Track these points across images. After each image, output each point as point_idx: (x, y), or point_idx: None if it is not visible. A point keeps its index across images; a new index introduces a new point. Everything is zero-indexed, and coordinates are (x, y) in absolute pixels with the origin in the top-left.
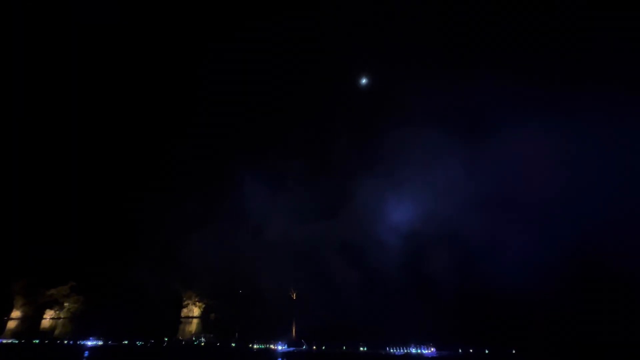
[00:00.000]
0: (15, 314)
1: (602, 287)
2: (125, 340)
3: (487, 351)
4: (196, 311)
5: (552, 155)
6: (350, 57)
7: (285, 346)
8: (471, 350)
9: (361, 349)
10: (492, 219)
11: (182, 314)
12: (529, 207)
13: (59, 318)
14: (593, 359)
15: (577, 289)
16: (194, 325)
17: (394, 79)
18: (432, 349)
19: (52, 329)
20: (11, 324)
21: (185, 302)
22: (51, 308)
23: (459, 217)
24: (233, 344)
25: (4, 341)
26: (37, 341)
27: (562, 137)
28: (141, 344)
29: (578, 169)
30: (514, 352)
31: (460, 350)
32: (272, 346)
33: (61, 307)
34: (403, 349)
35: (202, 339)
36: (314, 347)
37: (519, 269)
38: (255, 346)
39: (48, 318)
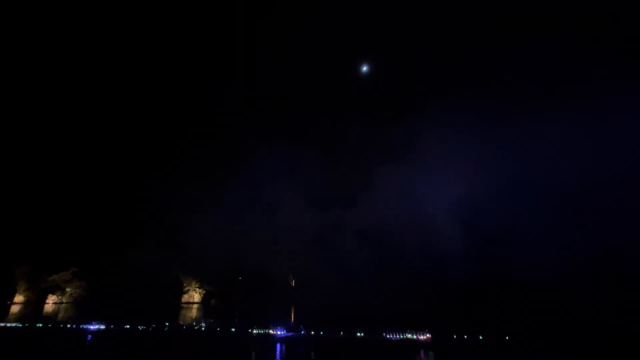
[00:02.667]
0: (18, 298)
1: (620, 284)
2: (127, 324)
3: (480, 337)
4: (196, 297)
5: (583, 147)
6: (370, 42)
7: (284, 331)
8: (465, 337)
9: (358, 334)
10: (511, 208)
11: (183, 300)
12: (548, 199)
13: (61, 303)
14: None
15: (592, 283)
16: (194, 311)
17: (414, 65)
18: (428, 335)
19: (54, 313)
20: (14, 309)
21: (186, 288)
22: (53, 293)
23: (476, 204)
24: (233, 329)
25: (8, 325)
26: (40, 325)
27: (594, 129)
28: (143, 329)
29: (610, 162)
30: (507, 338)
31: (455, 337)
32: (271, 331)
33: (63, 292)
34: (399, 335)
35: (203, 324)
36: (312, 333)
37: (533, 258)
38: (254, 331)
39: (51, 303)
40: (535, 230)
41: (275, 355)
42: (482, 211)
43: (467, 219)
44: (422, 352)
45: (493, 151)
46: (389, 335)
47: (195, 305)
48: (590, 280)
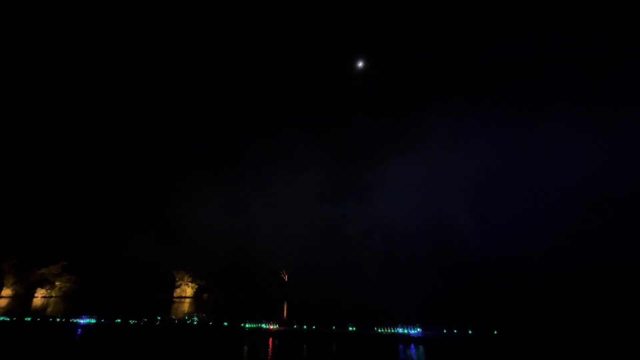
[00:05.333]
0: (6, 292)
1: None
2: (118, 319)
3: (470, 332)
4: (189, 291)
5: (596, 146)
6: (383, 40)
7: (277, 326)
8: (455, 331)
9: (350, 328)
10: (519, 205)
11: (175, 294)
12: (557, 196)
13: (50, 297)
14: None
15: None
16: (186, 305)
17: (426, 63)
18: (419, 330)
19: (44, 307)
20: (2, 302)
21: (178, 283)
22: (42, 287)
23: (484, 200)
24: (225, 323)
25: None
26: (28, 319)
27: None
28: (134, 323)
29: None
30: (495, 333)
31: (445, 331)
32: (263, 326)
33: (52, 286)
34: (391, 329)
35: (195, 318)
36: (304, 327)
37: (537, 254)
38: (247, 326)
39: (39, 297)
40: (543, 227)
41: (267, 350)
42: (490, 204)
43: (473, 215)
44: (412, 346)
45: (501, 147)
46: (381, 329)
47: (187, 300)
48: (593, 278)
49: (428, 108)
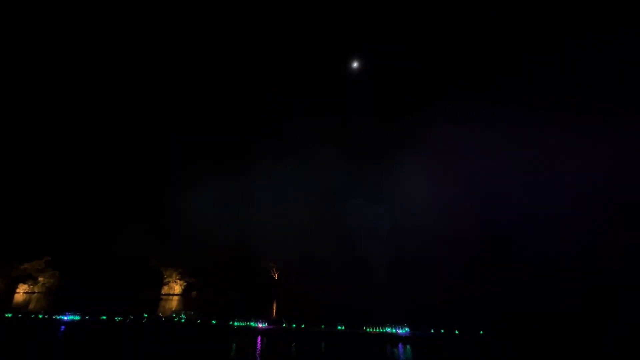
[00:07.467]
0: None
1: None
2: (103, 316)
3: (457, 332)
4: (177, 289)
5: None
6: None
7: (265, 324)
8: (442, 331)
9: (339, 327)
10: (523, 208)
11: (163, 292)
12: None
13: (33, 292)
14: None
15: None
16: (174, 303)
17: (432, 62)
18: (407, 329)
19: (25, 303)
20: None
21: (167, 280)
22: (25, 282)
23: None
24: (214, 321)
25: None
26: (9, 315)
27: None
28: (120, 320)
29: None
30: (481, 333)
31: (432, 331)
32: (252, 324)
33: (35, 282)
34: (379, 329)
35: (183, 316)
36: (293, 325)
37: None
38: (235, 324)
39: (21, 292)
40: (546, 228)
41: (256, 348)
42: (497, 206)
43: (480, 216)
44: (399, 345)
45: (511, 149)
46: (369, 328)
47: (175, 297)
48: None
49: (437, 108)
